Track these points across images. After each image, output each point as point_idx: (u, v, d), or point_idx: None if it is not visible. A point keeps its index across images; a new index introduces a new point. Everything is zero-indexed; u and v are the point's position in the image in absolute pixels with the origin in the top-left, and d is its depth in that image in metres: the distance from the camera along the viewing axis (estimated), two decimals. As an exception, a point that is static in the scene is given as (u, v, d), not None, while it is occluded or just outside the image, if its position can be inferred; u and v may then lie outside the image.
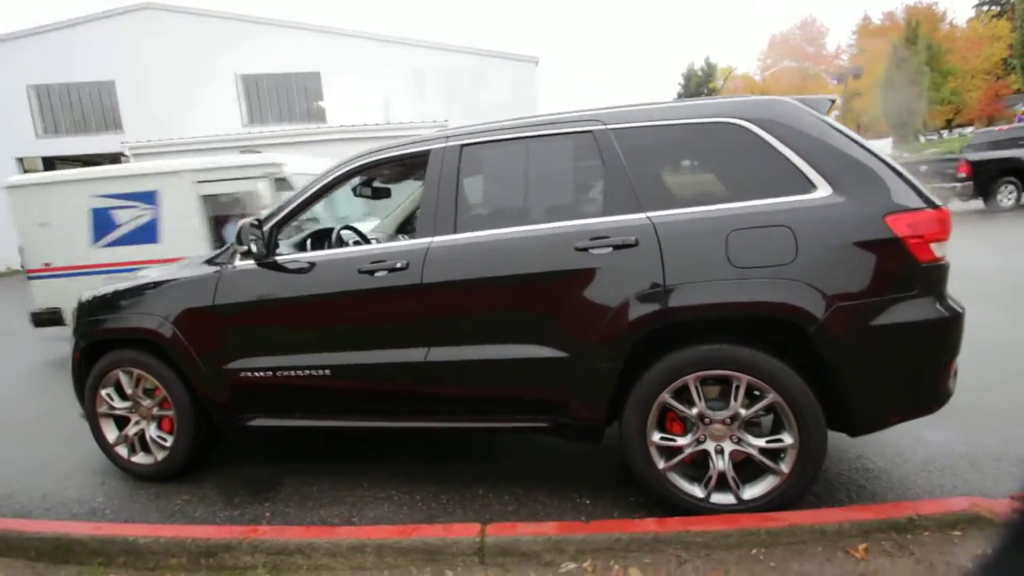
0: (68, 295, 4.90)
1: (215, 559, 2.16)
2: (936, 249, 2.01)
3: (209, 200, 5.63)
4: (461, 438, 3.20)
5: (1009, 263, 6.69)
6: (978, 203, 12.01)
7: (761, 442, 2.12)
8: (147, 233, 5.63)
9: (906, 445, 2.71)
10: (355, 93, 18.26)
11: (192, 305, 2.68)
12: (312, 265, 2.57)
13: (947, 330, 2.05)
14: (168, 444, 2.84)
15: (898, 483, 2.44)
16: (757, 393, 2.10)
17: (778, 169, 2.10)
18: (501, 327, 2.32)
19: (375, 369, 2.48)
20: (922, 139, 29.81)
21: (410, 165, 2.89)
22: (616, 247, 2.15)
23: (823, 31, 39.77)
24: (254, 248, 2.54)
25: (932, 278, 2.03)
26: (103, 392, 2.90)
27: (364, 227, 3.84)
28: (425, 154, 2.53)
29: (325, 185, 2.65)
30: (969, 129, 32.08)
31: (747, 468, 2.17)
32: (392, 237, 3.77)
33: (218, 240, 5.61)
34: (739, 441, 2.14)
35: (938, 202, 2.04)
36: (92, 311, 2.94)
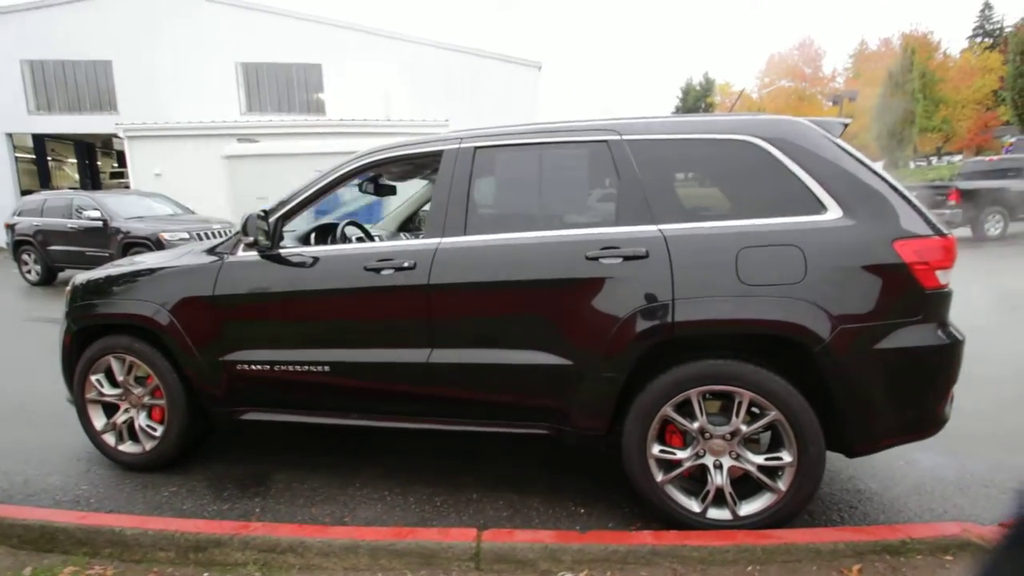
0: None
1: (204, 554, 2.12)
2: (941, 276, 2.04)
3: None
4: (456, 440, 3.18)
5: (998, 290, 6.81)
6: (966, 231, 12.23)
7: (760, 459, 2.13)
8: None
9: (898, 468, 2.75)
10: (356, 87, 18.17)
11: (191, 294, 2.64)
12: (317, 260, 2.54)
13: (947, 357, 2.08)
14: (158, 434, 2.79)
15: (889, 505, 2.47)
16: (757, 410, 2.11)
17: (790, 189, 2.12)
18: (506, 332, 2.31)
19: (376, 368, 2.45)
20: (912, 165, 30.34)
21: (421, 164, 2.87)
22: (626, 258, 2.15)
23: (820, 53, 40.23)
24: (260, 240, 2.51)
25: (936, 305, 2.06)
26: (93, 378, 2.84)
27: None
28: (438, 154, 2.52)
29: (335, 179, 2.62)
30: (958, 157, 32.72)
31: (744, 484, 2.18)
32: (394, 235, 3.75)
33: None
34: (738, 457, 2.15)
35: (945, 230, 2.07)
36: (86, 295, 2.88)
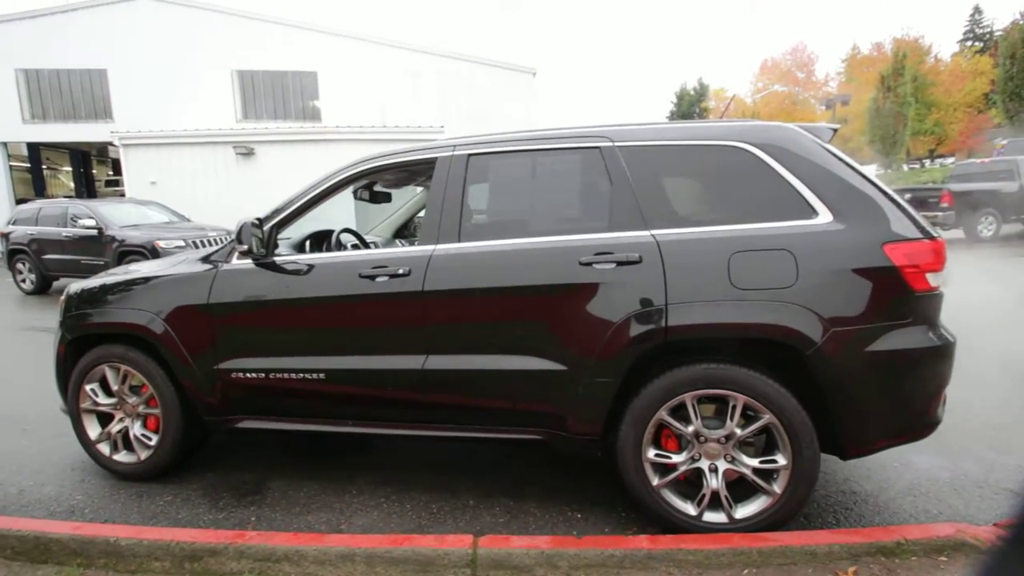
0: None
1: (200, 563, 2.11)
2: (931, 279, 2.06)
3: None
4: (453, 447, 3.18)
5: (992, 291, 6.85)
6: (959, 232, 12.32)
7: (755, 462, 2.14)
8: None
9: (892, 469, 2.76)
10: (351, 94, 18.22)
11: (185, 302, 2.64)
12: (311, 267, 2.55)
13: (939, 359, 2.09)
14: (152, 443, 2.78)
15: (884, 507, 2.48)
16: (752, 413, 2.13)
17: (781, 194, 2.14)
18: (501, 338, 2.32)
19: (371, 375, 2.46)
20: (905, 167, 30.57)
21: (415, 171, 2.89)
22: (619, 263, 2.17)
23: (813, 58, 40.63)
24: (254, 247, 2.51)
25: (926, 307, 2.08)
26: (87, 387, 2.83)
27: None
28: (431, 161, 2.53)
29: (330, 187, 2.63)
30: (950, 160, 32.97)
31: (740, 487, 2.19)
32: (389, 242, 3.76)
33: None
34: (733, 460, 2.16)
35: (935, 233, 2.09)
36: (81, 304, 2.87)
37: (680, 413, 2.17)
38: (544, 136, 2.45)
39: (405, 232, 3.94)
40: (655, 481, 2.20)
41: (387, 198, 3.59)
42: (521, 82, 19.35)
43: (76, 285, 3.00)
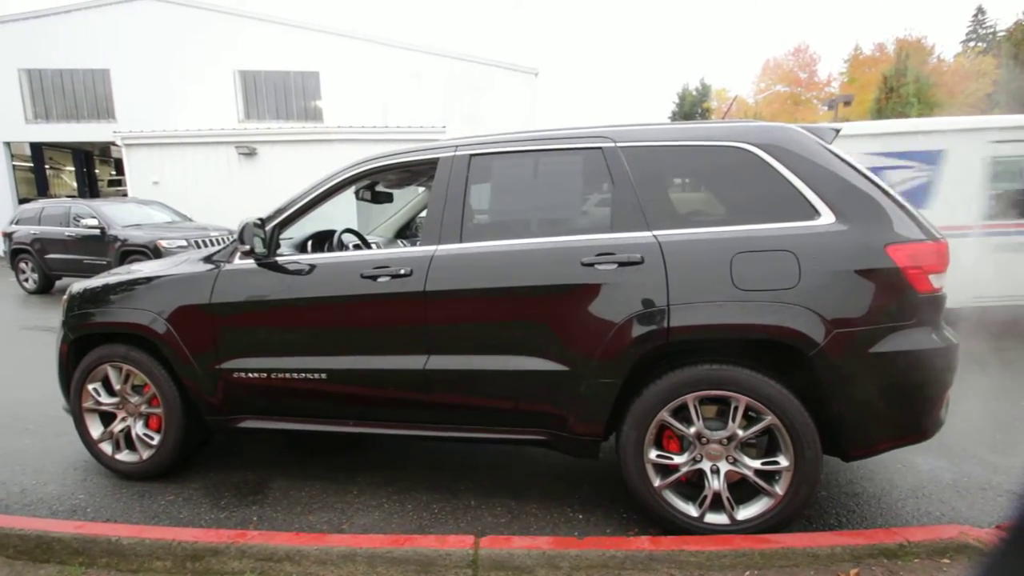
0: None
1: (201, 563, 2.11)
2: (934, 280, 2.05)
3: (1002, 164, 5.08)
4: (454, 447, 3.18)
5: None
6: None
7: (757, 463, 2.14)
8: (916, 197, 5.11)
9: (895, 471, 2.75)
10: (353, 94, 18.22)
11: (188, 302, 2.64)
12: (313, 267, 2.55)
13: (942, 360, 2.09)
14: (155, 442, 2.78)
15: (887, 508, 2.47)
16: (754, 415, 2.12)
17: (783, 195, 2.14)
18: (503, 338, 2.32)
19: (373, 375, 2.46)
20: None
21: (417, 172, 2.89)
22: (621, 264, 2.16)
23: (815, 58, 40.57)
24: (256, 248, 2.51)
25: (929, 308, 2.08)
26: (90, 387, 2.84)
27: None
28: (433, 162, 2.53)
29: (331, 187, 2.63)
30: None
31: (742, 489, 2.18)
32: (391, 242, 3.76)
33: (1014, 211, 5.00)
34: (735, 462, 2.15)
35: (938, 235, 2.08)
36: (83, 304, 2.88)
37: (682, 414, 2.17)
38: (546, 136, 2.45)
39: (407, 232, 3.95)
40: (657, 482, 2.20)
41: (389, 198, 3.59)
42: (523, 82, 19.33)
43: (79, 285, 3.01)
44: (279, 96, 19.13)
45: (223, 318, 2.60)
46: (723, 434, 2.13)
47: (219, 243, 8.68)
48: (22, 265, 10.01)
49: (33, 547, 2.21)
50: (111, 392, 2.85)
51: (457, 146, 2.52)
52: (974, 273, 4.75)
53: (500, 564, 2.02)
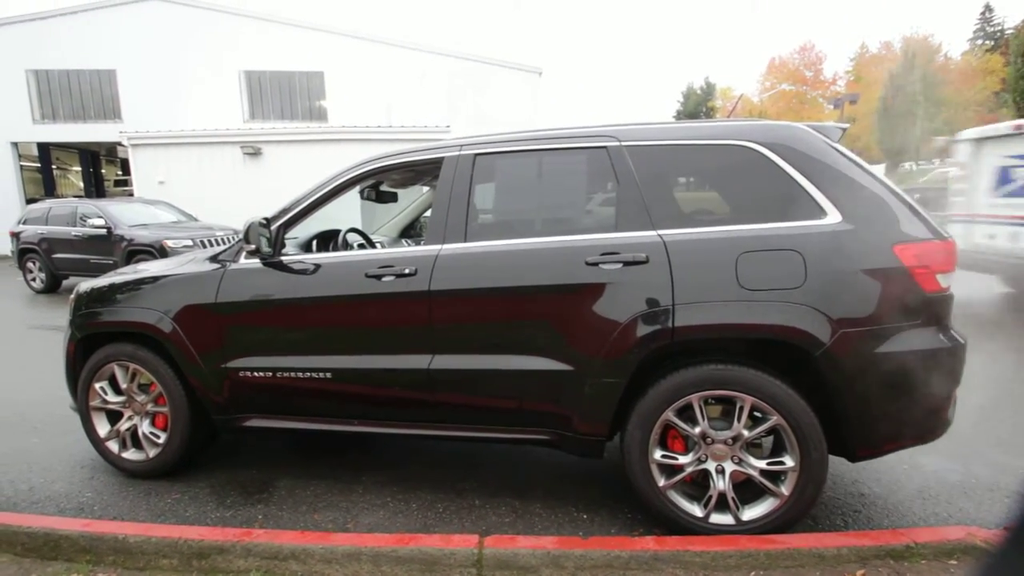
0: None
1: (207, 561, 2.12)
2: (942, 280, 2.04)
3: None
4: (459, 446, 3.18)
5: (1000, 292, 6.78)
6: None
7: (762, 464, 2.13)
8: None
9: (902, 472, 2.74)
10: (358, 94, 18.26)
11: (194, 301, 2.65)
12: (318, 267, 2.56)
13: (949, 360, 2.07)
14: (161, 441, 2.80)
15: (893, 509, 2.46)
16: (759, 415, 2.11)
17: (789, 194, 2.13)
18: (507, 338, 2.32)
19: (378, 374, 2.46)
20: (909, 166, 30.32)
21: (421, 171, 2.89)
22: (626, 263, 2.16)
23: (821, 57, 40.36)
24: (262, 247, 2.52)
25: (937, 308, 2.06)
26: (97, 386, 2.85)
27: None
28: (438, 161, 2.53)
29: (336, 187, 2.64)
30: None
31: (747, 489, 2.18)
32: (395, 242, 3.77)
33: None
34: (740, 462, 2.15)
35: (945, 234, 2.07)
36: (90, 303, 2.90)
37: (687, 414, 2.16)
38: (551, 136, 2.45)
39: (411, 232, 3.95)
40: (662, 482, 2.19)
41: (393, 198, 3.59)
42: (527, 82, 19.31)
43: (86, 284, 3.02)
44: (284, 96, 19.18)
45: (229, 317, 2.61)
46: (728, 434, 2.13)
47: (225, 243, 8.72)
48: (29, 264, 10.08)
49: (41, 545, 2.23)
50: (118, 391, 2.86)
51: (462, 145, 2.52)
52: None
53: (504, 564, 2.03)
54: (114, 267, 7.06)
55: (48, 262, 9.79)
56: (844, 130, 2.30)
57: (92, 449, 2.94)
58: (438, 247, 2.40)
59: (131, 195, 15.79)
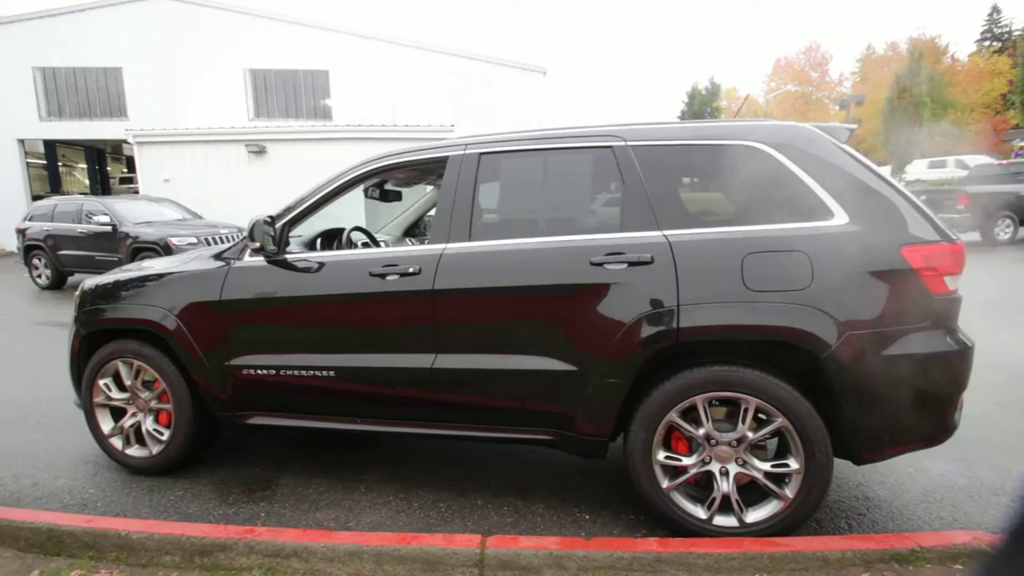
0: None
1: (210, 558, 2.12)
2: (949, 282, 2.02)
3: None
4: (461, 446, 3.18)
5: (1007, 294, 6.74)
6: (975, 235, 12.13)
7: (766, 466, 2.12)
8: None
9: (907, 475, 2.72)
10: (363, 93, 18.29)
11: (198, 299, 2.66)
12: (322, 265, 2.56)
13: (956, 363, 2.06)
14: (164, 438, 2.81)
15: (898, 513, 2.44)
16: (764, 417, 2.10)
17: (796, 194, 2.11)
18: (511, 337, 2.31)
19: (381, 373, 2.46)
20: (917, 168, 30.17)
21: (426, 170, 2.88)
22: (631, 263, 2.15)
23: (827, 57, 40.23)
24: (266, 245, 2.52)
25: (944, 311, 2.05)
26: (101, 382, 2.86)
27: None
28: (443, 160, 2.53)
29: (341, 185, 2.64)
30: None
31: (751, 491, 2.16)
32: (399, 240, 3.77)
33: None
34: (744, 464, 2.13)
35: (953, 236, 2.05)
36: (95, 300, 2.90)
37: (691, 415, 2.15)
38: (556, 135, 2.44)
39: (415, 231, 3.95)
40: (665, 483, 2.18)
41: (398, 197, 3.59)
42: (532, 81, 19.31)
43: (90, 281, 3.03)
44: (288, 94, 19.24)
45: (233, 315, 2.61)
46: (733, 436, 2.11)
47: (229, 240, 8.76)
48: (35, 261, 10.14)
49: (44, 540, 2.23)
50: (122, 387, 2.87)
51: (467, 145, 2.52)
52: None
53: (507, 564, 2.02)
54: (119, 264, 7.09)
55: (53, 259, 9.84)
56: (852, 131, 2.28)
57: (96, 445, 2.95)
58: (442, 246, 2.39)
59: (136, 193, 15.87)
